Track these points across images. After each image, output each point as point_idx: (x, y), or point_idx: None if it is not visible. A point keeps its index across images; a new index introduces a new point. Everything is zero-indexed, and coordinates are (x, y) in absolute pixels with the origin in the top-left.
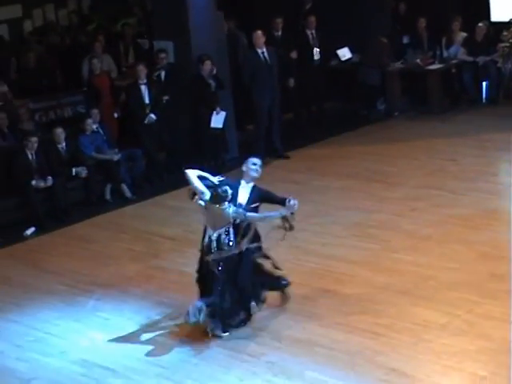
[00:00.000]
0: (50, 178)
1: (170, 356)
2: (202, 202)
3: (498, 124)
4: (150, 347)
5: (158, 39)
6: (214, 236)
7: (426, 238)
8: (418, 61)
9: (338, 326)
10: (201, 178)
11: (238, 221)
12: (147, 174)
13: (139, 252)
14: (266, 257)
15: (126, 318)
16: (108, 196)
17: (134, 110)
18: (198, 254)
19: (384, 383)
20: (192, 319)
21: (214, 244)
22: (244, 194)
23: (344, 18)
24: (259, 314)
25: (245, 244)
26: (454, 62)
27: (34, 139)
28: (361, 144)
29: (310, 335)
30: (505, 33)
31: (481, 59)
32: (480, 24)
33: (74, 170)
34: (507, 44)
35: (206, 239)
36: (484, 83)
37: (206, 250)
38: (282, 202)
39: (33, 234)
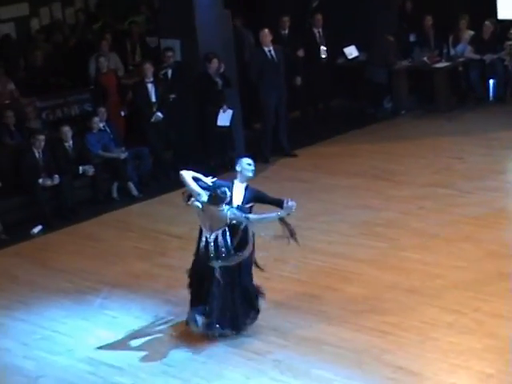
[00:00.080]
0: (56, 176)
1: (176, 354)
2: (199, 204)
3: (505, 122)
4: (156, 345)
5: (165, 37)
6: (211, 238)
7: (434, 237)
8: (425, 59)
9: (345, 325)
10: (195, 179)
11: (234, 222)
12: (154, 172)
13: (146, 250)
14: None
15: (134, 316)
16: (115, 194)
17: (141, 109)
18: (192, 258)
19: (391, 381)
20: (193, 329)
21: (212, 247)
22: (238, 194)
23: (351, 16)
24: (266, 312)
25: (248, 250)
26: (461, 60)
27: (41, 137)
28: (368, 142)
29: (317, 333)
30: None
31: (488, 57)
32: (487, 22)
33: (80, 168)
34: None
35: (203, 242)
36: (491, 81)
37: (203, 254)
38: (277, 203)
39: (40, 232)
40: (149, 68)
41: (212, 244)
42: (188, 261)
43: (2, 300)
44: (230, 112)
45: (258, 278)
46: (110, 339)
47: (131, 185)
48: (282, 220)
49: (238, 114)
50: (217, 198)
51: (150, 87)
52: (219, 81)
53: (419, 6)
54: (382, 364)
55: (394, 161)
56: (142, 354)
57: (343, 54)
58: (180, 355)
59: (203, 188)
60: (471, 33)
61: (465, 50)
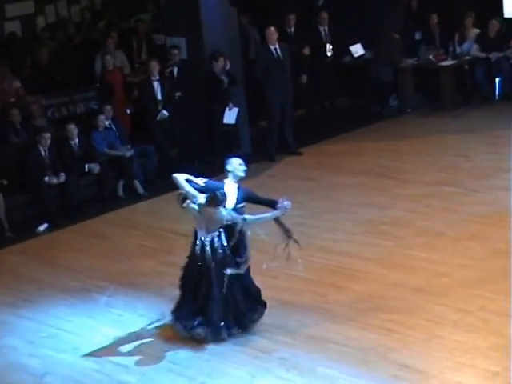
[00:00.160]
0: (62, 174)
1: (182, 352)
2: (196, 206)
3: (511, 120)
4: (162, 343)
5: (171, 35)
6: (207, 240)
7: (440, 235)
8: (431, 57)
9: (351, 323)
10: (187, 181)
11: (229, 223)
12: (160, 171)
13: (152, 248)
14: None
15: (139, 314)
16: (120, 192)
17: (147, 107)
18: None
19: (397, 379)
20: (199, 338)
21: (208, 248)
22: (231, 194)
23: (356, 15)
24: (272, 310)
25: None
26: (466, 58)
27: (47, 135)
28: (373, 140)
29: (323, 332)
30: None
31: (494, 55)
32: (493, 21)
33: (86, 166)
34: None
35: (198, 245)
36: (497, 79)
37: (199, 256)
38: (269, 203)
39: (45, 230)
40: (155, 66)
41: (208, 246)
42: None
43: (8, 298)
44: (235, 110)
45: (263, 277)
46: (115, 337)
47: (137, 183)
48: (277, 220)
49: (243, 111)
50: (216, 199)
51: (156, 85)
52: (225, 79)
53: (425, 4)
54: (387, 362)
55: (400, 159)
56: (148, 351)
57: (349, 52)
58: (185, 353)
59: (196, 189)
60: (477, 31)
61: (471, 48)
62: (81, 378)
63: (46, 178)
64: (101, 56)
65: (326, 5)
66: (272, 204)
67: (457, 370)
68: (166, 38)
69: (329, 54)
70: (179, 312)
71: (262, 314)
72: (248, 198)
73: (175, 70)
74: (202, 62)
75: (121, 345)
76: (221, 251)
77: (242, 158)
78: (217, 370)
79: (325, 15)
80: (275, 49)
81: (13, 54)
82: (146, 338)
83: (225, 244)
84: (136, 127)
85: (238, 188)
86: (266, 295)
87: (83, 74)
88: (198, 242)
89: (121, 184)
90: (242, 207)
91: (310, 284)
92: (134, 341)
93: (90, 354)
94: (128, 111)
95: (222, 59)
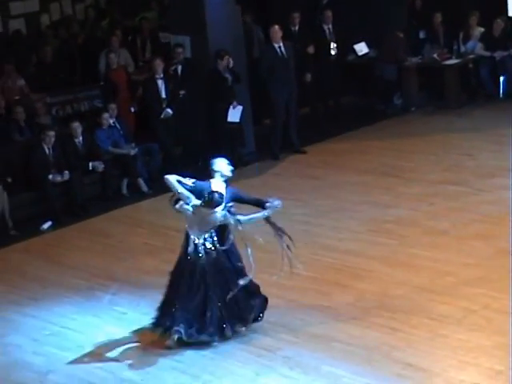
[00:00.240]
0: (66, 172)
1: (186, 350)
2: (190, 207)
3: None
4: (166, 341)
5: (175, 34)
6: (200, 241)
7: (444, 234)
8: (435, 56)
9: (355, 321)
10: (178, 182)
11: (222, 223)
12: (164, 169)
13: (156, 246)
14: None
15: (143, 312)
16: (124, 190)
17: (151, 105)
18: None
19: (401, 378)
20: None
21: (201, 249)
22: None
23: (361, 13)
24: (276, 309)
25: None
26: (471, 57)
27: (51, 133)
28: (378, 139)
29: (327, 330)
30: None
31: (498, 54)
32: (498, 20)
33: (90, 164)
34: None
35: (191, 246)
36: (501, 78)
37: (193, 258)
38: (257, 203)
39: (49, 228)
40: (159, 64)
41: (201, 247)
42: None
43: (12, 296)
44: (239, 108)
45: (267, 275)
46: (119, 335)
47: (141, 181)
48: (267, 219)
49: (247, 110)
50: (213, 201)
51: (160, 83)
52: (229, 77)
53: (429, 3)
54: (391, 361)
55: (404, 157)
56: (152, 349)
57: (353, 50)
58: (189, 351)
59: (187, 190)
60: (481, 30)
61: (475, 46)
62: (84, 375)
63: (50, 176)
64: (105, 54)
65: (331, 3)
66: (260, 204)
67: (460, 368)
68: (170, 36)
69: (333, 52)
70: (169, 319)
71: (263, 307)
72: (236, 197)
73: (179, 68)
74: (207, 61)
75: (125, 343)
76: (214, 252)
77: (226, 158)
78: (221, 368)
79: (329, 14)
80: (279, 47)
81: (17, 51)
82: (149, 336)
83: (217, 244)
84: (140, 125)
85: (226, 188)
86: (269, 293)
87: (87, 72)
88: (191, 245)
89: (125, 182)
90: (231, 207)
91: (313, 282)
92: (137, 339)
93: (93, 352)
94: (132, 109)
95: (227, 58)
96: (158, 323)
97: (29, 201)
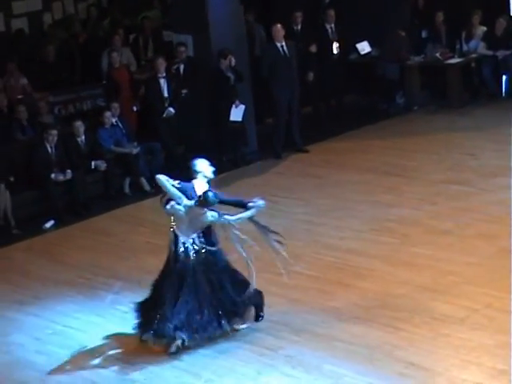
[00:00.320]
0: (69, 171)
1: (188, 349)
2: (182, 207)
3: None
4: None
5: (178, 33)
6: (189, 241)
7: (446, 233)
8: (438, 55)
9: (357, 320)
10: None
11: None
12: (166, 168)
13: (158, 245)
14: None
15: None
16: (127, 189)
17: (153, 104)
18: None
19: (403, 377)
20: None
21: (191, 249)
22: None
23: (363, 12)
24: (278, 307)
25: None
26: (473, 56)
27: (54, 132)
28: (380, 138)
29: (329, 329)
30: None
31: (501, 53)
32: (501, 19)
33: (93, 163)
34: None
35: (180, 247)
36: (504, 77)
37: (183, 259)
38: (239, 204)
39: (52, 227)
40: (161, 63)
41: (191, 247)
42: None
43: (15, 295)
44: (242, 107)
45: (270, 274)
46: (121, 334)
47: (143, 180)
48: (251, 219)
49: (250, 109)
50: (207, 200)
51: (163, 82)
52: (231, 76)
53: (431, 2)
54: (393, 360)
55: (407, 157)
56: (154, 349)
57: (355, 49)
58: (191, 350)
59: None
60: (484, 29)
61: (477, 46)
62: (87, 374)
63: (53, 175)
64: (107, 53)
65: (333, 2)
66: (241, 204)
67: (463, 367)
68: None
69: (335, 51)
70: (153, 324)
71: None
72: (219, 199)
73: (182, 67)
74: (209, 60)
75: (127, 342)
76: (203, 252)
77: (206, 158)
78: (223, 367)
79: (331, 13)
80: (282, 46)
81: (20, 50)
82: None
83: (204, 243)
84: (142, 124)
85: (209, 188)
86: (271, 292)
87: (90, 71)
88: (180, 245)
89: (127, 181)
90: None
91: (316, 282)
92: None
93: (96, 351)
94: (134, 108)
95: (229, 57)
96: (141, 325)
97: (31, 200)
